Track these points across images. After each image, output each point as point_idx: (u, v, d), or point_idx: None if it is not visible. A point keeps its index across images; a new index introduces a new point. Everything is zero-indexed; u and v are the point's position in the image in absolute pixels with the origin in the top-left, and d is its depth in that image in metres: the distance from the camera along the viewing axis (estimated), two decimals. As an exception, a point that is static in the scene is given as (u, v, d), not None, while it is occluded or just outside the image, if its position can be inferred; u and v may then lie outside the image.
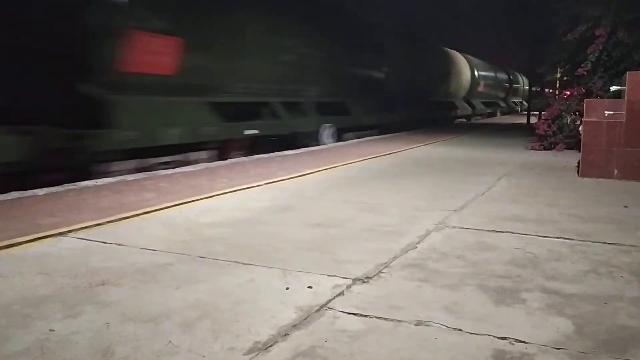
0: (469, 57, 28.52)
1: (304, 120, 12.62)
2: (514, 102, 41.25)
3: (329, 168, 8.24)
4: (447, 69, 23.80)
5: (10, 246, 3.80)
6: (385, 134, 15.90)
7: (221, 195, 5.89)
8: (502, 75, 36.40)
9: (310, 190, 6.33)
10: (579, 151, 8.11)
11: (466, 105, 27.85)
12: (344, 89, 14.51)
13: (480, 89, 29.67)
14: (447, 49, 25.70)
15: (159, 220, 4.73)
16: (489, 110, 32.77)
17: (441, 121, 22.70)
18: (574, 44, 12.50)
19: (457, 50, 27.80)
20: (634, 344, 2.44)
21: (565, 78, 15.45)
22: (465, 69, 26.84)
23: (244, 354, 2.30)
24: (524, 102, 44.10)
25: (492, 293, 3.06)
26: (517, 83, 41.09)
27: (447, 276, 3.34)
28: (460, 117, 27.21)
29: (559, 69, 15.88)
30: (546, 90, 25.01)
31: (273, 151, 10.34)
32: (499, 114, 35.19)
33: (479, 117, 30.27)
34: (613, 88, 11.18)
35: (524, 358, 2.29)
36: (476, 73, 28.30)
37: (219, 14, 9.38)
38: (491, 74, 32.70)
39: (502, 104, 37.19)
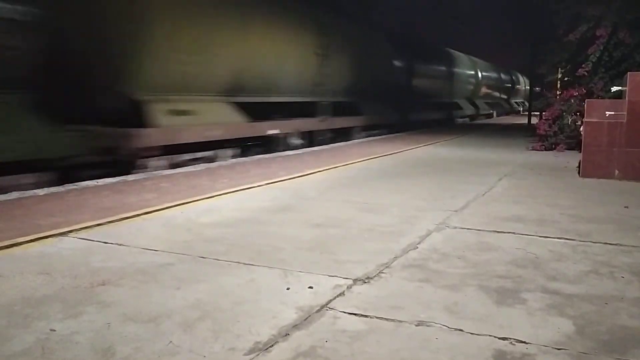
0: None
1: None
2: (488, 103, 32.74)
3: (330, 168, 8.24)
4: (344, 55, 14.26)
5: (11, 246, 3.80)
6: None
7: (222, 196, 5.89)
8: (464, 71, 27.17)
9: (311, 190, 6.33)
10: (580, 151, 8.11)
11: (382, 108, 17.13)
12: None
13: (417, 84, 20.68)
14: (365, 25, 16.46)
15: (160, 220, 4.73)
16: (437, 116, 22.73)
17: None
18: (575, 44, 12.50)
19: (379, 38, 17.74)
20: (634, 345, 2.43)
21: (566, 78, 15.46)
22: (384, 59, 17.62)
23: (245, 354, 2.29)
24: (511, 102, 41.67)
25: (493, 293, 3.05)
26: (492, 80, 32.70)
27: (448, 276, 3.33)
28: (372, 127, 16.28)
29: (559, 69, 15.88)
30: (544, 90, 24.80)
31: None
32: (458, 119, 26.36)
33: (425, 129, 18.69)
34: (614, 88, 11.18)
35: (525, 358, 2.29)
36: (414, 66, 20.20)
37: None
38: (440, 67, 23.77)
39: (466, 106, 27.77)
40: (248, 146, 10.71)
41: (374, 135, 15.79)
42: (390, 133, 16.46)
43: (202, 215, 4.94)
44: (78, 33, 7.84)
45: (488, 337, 2.48)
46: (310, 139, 13.05)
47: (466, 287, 3.15)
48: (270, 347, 2.36)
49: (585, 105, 8.29)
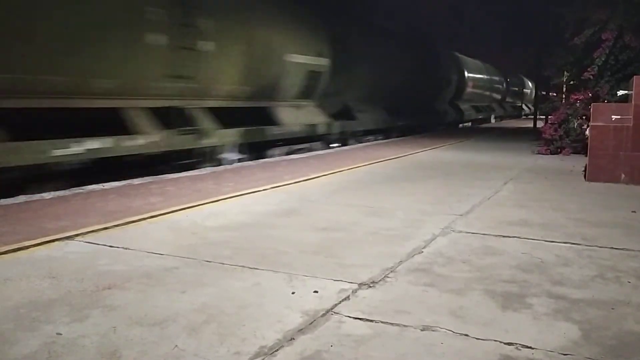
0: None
1: None
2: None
3: (335, 172, 8.24)
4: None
5: (18, 250, 3.82)
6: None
7: (227, 199, 5.90)
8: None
9: (316, 194, 6.33)
10: (586, 155, 8.08)
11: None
12: None
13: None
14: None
15: (165, 224, 4.75)
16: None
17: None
18: (581, 48, 12.48)
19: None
20: (641, 350, 2.42)
21: (572, 82, 15.42)
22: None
23: (250, 358, 2.30)
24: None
25: (499, 298, 3.05)
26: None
27: (453, 281, 3.33)
28: None
29: (565, 72, 15.84)
30: (552, 94, 24.77)
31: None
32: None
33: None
34: (620, 92, 11.14)
35: (531, 364, 2.28)
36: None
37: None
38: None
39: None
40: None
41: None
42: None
43: (208, 219, 4.95)
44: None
45: (494, 342, 2.47)
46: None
47: (471, 291, 3.15)
48: (276, 351, 2.36)
49: (591, 109, 8.27)
